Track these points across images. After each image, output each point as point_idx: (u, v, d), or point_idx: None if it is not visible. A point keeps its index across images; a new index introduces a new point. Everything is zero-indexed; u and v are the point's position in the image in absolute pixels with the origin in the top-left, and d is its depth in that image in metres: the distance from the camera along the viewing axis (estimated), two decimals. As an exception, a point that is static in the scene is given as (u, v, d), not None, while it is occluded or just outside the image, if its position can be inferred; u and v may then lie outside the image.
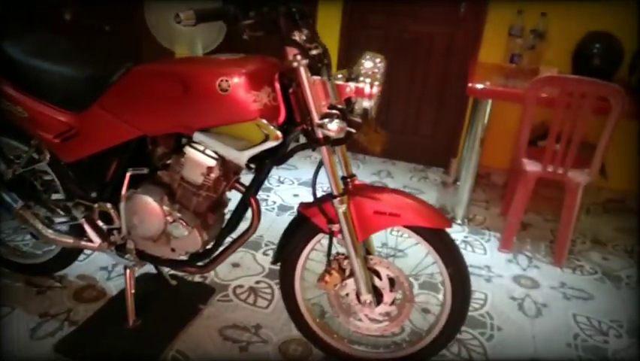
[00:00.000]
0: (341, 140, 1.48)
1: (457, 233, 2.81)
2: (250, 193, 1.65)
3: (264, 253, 2.45)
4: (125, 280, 1.81)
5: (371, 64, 1.44)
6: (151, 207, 1.61)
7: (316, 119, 1.44)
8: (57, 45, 1.74)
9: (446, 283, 1.63)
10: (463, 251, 1.64)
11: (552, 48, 3.14)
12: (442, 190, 3.41)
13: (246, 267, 2.32)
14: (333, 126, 1.39)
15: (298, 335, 1.90)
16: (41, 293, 2.03)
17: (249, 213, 1.68)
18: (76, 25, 3.47)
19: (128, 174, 1.61)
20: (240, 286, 2.19)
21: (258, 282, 2.23)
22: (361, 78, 1.43)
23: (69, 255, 1.99)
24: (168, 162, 1.67)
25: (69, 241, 1.76)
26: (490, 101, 2.67)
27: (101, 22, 3.46)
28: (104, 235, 1.72)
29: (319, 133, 1.46)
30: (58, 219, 1.79)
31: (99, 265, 2.22)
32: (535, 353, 1.96)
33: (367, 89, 1.42)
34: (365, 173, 3.54)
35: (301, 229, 1.67)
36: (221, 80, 1.42)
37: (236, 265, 2.32)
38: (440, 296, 2.22)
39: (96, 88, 1.60)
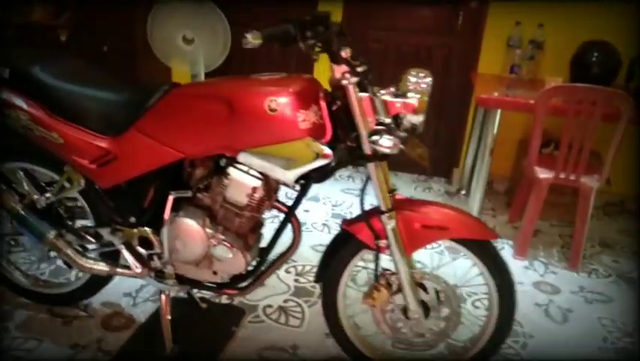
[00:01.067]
0: (387, 156, 1.49)
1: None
2: (293, 212, 1.64)
3: (287, 271, 2.42)
4: (160, 306, 1.77)
5: (417, 79, 1.46)
6: (194, 231, 1.58)
7: (365, 136, 1.45)
8: (85, 69, 1.71)
9: (493, 294, 1.64)
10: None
11: (550, 58, 3.22)
12: (448, 200, 3.44)
13: (272, 286, 2.29)
14: (386, 142, 1.40)
15: (336, 353, 1.89)
16: (67, 324, 1.96)
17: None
18: (73, 46, 3.42)
19: (170, 198, 1.58)
20: (269, 306, 2.16)
21: (286, 301, 2.21)
22: (409, 94, 1.44)
23: (97, 283, 1.93)
24: (201, 184, 1.64)
25: (105, 268, 1.72)
26: (499, 111, 2.72)
27: (97, 42, 3.41)
28: (143, 260, 1.67)
29: (368, 150, 1.47)
30: (91, 247, 1.74)
31: (122, 291, 2.16)
32: (571, 358, 1.99)
33: (417, 105, 1.43)
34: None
35: (345, 246, 1.67)
36: (271, 100, 1.42)
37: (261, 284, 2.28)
38: (469, 306, 2.23)
39: (133, 111, 1.57)
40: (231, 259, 1.61)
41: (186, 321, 1.95)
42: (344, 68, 1.42)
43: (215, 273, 1.67)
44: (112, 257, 1.80)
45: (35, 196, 1.68)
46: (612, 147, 2.46)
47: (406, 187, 3.57)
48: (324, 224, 2.92)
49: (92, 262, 1.71)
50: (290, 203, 1.66)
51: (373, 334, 1.82)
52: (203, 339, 1.90)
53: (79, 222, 1.88)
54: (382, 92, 1.46)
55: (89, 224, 1.80)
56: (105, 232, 1.69)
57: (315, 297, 2.25)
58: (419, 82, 1.45)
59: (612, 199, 3.49)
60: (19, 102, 1.59)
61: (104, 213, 1.70)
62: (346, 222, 1.64)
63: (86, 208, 1.77)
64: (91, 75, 1.67)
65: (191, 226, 1.58)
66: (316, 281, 1.74)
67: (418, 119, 1.44)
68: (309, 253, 2.59)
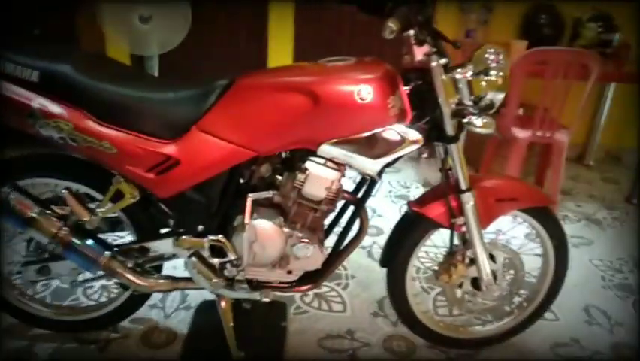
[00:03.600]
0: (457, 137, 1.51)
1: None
2: (365, 201, 1.60)
3: (302, 256, 2.37)
4: (221, 313, 1.65)
5: (494, 56, 1.46)
6: (273, 232, 1.49)
7: (449, 117, 1.44)
8: (120, 66, 1.49)
9: (549, 254, 1.76)
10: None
11: (500, 21, 3.39)
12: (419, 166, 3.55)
13: (297, 274, 2.24)
14: (480, 122, 1.41)
15: (390, 332, 1.92)
16: (104, 350, 1.76)
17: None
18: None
19: (249, 200, 1.45)
20: (305, 295, 2.11)
21: (318, 287, 2.17)
22: (492, 72, 1.44)
23: (136, 301, 1.74)
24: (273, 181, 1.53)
25: (169, 285, 1.56)
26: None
27: (26, 24, 2.96)
28: (215, 270, 1.53)
29: (451, 130, 1.47)
30: (145, 262, 1.55)
31: (147, 304, 1.97)
32: (585, 301, 2.19)
33: (500, 82, 1.44)
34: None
35: (414, 227, 1.67)
36: (361, 88, 1.35)
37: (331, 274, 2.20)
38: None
39: (193, 109, 1.41)
40: (310, 256, 1.54)
41: (235, 324, 1.84)
42: (426, 48, 1.39)
43: (290, 272, 1.59)
44: (159, 270, 1.64)
45: (84, 217, 1.45)
46: (582, 101, 2.69)
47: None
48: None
49: (152, 280, 1.54)
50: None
51: (429, 310, 1.86)
52: (259, 339, 1.82)
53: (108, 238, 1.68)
54: (459, 71, 1.44)
55: (130, 239, 1.61)
56: (164, 245, 1.52)
57: (344, 278, 2.23)
58: (497, 58, 1.45)
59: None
60: (58, 110, 1.34)
61: (163, 224, 1.53)
62: (415, 204, 1.64)
63: (126, 222, 1.58)
64: (130, 73, 1.46)
65: (268, 227, 1.48)
66: (382, 266, 1.73)
67: (499, 96, 1.46)
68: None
